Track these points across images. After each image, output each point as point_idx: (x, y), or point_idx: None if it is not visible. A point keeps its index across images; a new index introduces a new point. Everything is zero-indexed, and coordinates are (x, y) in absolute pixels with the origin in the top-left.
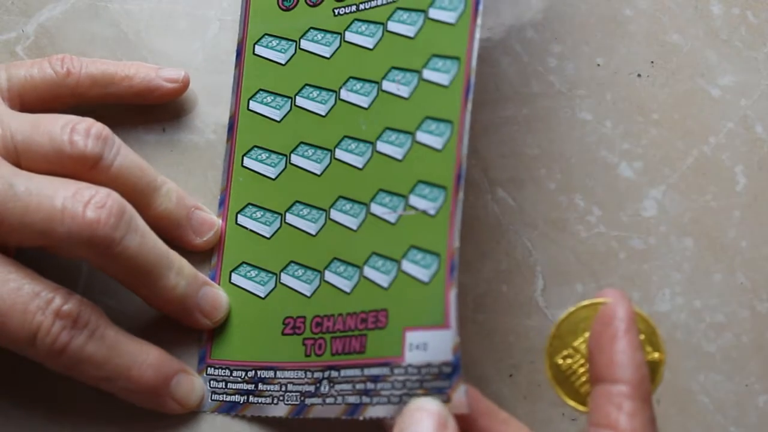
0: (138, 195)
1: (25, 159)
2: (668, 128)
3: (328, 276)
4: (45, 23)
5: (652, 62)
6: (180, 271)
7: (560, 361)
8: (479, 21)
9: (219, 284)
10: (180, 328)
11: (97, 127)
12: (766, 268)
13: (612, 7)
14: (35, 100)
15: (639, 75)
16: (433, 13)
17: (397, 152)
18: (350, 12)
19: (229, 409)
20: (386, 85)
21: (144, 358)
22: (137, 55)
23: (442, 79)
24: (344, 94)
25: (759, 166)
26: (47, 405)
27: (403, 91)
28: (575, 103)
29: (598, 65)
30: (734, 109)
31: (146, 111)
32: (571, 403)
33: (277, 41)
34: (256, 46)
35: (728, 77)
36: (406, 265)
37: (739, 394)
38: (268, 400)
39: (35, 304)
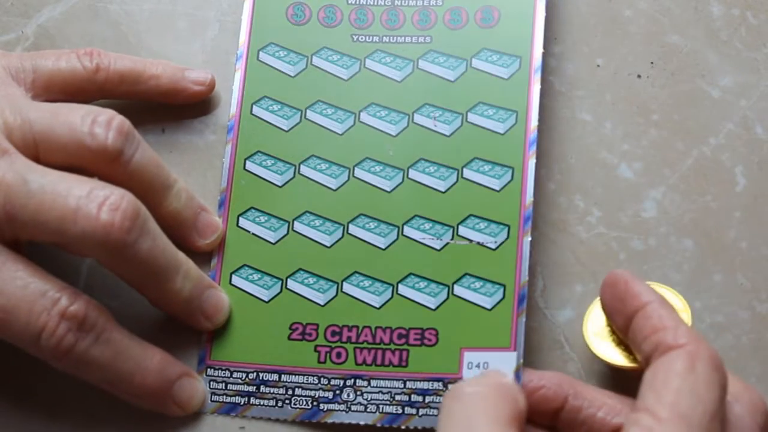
0: (151, 193)
1: (43, 149)
2: (668, 129)
3: (348, 288)
4: (45, 24)
5: (651, 63)
6: (187, 273)
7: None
8: (538, 78)
9: (219, 285)
10: (180, 328)
11: (118, 120)
12: (766, 269)
13: (612, 8)
14: (60, 93)
15: (639, 76)
16: (478, 63)
17: (438, 184)
18: (371, 41)
19: (230, 410)
20: (419, 119)
21: (147, 363)
22: (137, 56)
23: (496, 126)
24: (365, 117)
25: (759, 166)
26: (47, 405)
27: (443, 128)
28: (575, 103)
29: (598, 66)
30: (734, 109)
31: (146, 111)
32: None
33: (285, 52)
34: (261, 52)
35: (728, 78)
36: (461, 290)
37: None
38: (272, 402)
39: (41, 303)
